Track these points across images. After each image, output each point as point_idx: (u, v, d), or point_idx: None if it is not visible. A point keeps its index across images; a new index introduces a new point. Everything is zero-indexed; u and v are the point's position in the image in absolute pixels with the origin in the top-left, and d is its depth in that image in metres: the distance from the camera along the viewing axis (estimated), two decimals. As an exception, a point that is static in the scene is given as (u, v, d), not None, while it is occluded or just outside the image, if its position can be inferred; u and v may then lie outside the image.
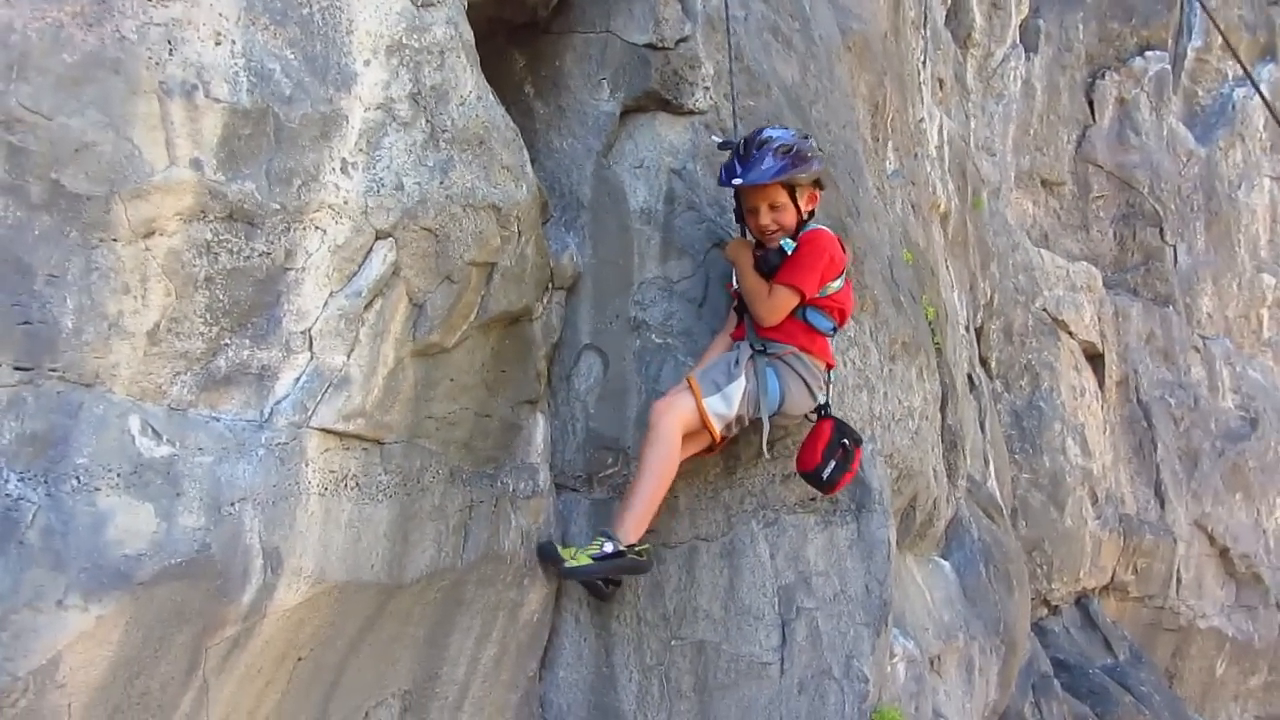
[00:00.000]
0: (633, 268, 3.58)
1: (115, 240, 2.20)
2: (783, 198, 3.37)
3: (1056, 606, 8.14)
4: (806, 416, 3.47)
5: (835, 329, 3.47)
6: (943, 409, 4.85)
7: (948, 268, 6.92)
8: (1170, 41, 10.04)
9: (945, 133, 7.55)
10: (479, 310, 3.03)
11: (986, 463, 6.89)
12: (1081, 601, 8.45)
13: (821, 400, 3.45)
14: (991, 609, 4.90)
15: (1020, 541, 7.80)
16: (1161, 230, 9.54)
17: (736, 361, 3.31)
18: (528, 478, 3.36)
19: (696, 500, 3.59)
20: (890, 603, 3.63)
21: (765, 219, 3.38)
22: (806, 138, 3.43)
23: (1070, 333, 8.81)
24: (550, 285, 3.43)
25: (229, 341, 2.43)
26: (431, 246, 2.81)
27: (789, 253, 3.31)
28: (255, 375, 2.49)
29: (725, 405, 3.22)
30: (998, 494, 6.82)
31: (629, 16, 3.64)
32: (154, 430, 2.27)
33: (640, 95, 3.67)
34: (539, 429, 3.44)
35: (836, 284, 3.40)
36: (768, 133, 3.35)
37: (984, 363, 7.99)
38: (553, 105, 3.66)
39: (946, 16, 8.51)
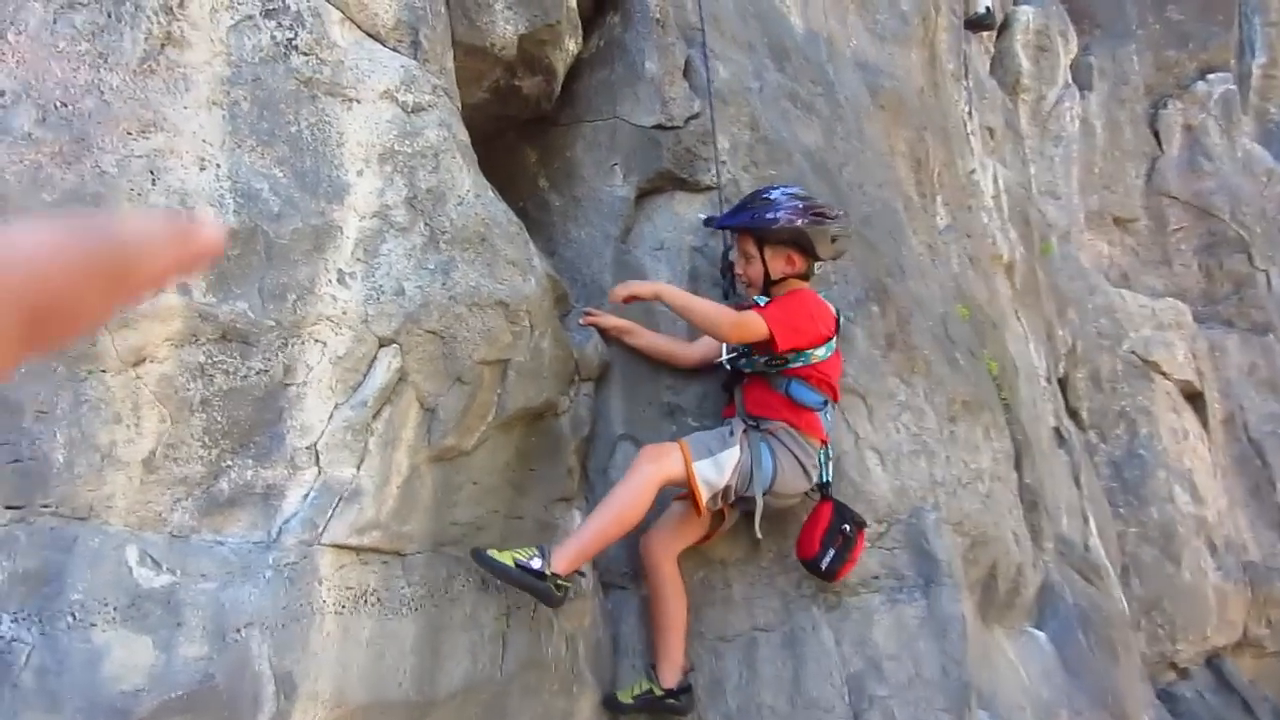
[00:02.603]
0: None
1: (104, 371, 2.20)
2: (751, 249, 3.32)
3: (1185, 669, 7.55)
4: (808, 494, 3.28)
5: (826, 403, 3.27)
6: (1018, 468, 4.58)
7: (1019, 319, 6.65)
8: (1233, 61, 9.69)
9: (1001, 182, 7.34)
10: (496, 409, 2.95)
11: (1086, 521, 6.49)
12: (1213, 662, 7.82)
13: (816, 480, 3.25)
14: (1096, 680, 4.53)
15: (1136, 602, 7.30)
16: (1249, 256, 9.07)
17: (731, 432, 3.16)
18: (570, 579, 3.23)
19: (751, 588, 3.41)
20: (971, 684, 3.36)
21: (738, 267, 3.39)
22: (807, 200, 3.32)
23: (1164, 373, 8.36)
24: (576, 377, 3.35)
25: (230, 463, 2.39)
26: (438, 349, 2.75)
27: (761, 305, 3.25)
28: (260, 495, 2.44)
29: (715, 472, 3.05)
30: (1102, 553, 6.40)
31: (635, 100, 3.62)
32: (153, 559, 2.23)
33: (654, 176, 3.62)
34: (576, 527, 3.32)
35: (822, 351, 3.22)
36: (769, 188, 3.37)
37: (1073, 414, 7.61)
38: (567, 196, 3.63)
39: (991, 65, 8.37)
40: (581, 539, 2.95)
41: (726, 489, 3.09)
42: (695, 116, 3.66)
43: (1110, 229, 9.15)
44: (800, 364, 3.19)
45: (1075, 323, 7.99)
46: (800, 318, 3.18)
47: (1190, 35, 9.53)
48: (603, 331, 3.45)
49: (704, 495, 3.04)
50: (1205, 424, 8.45)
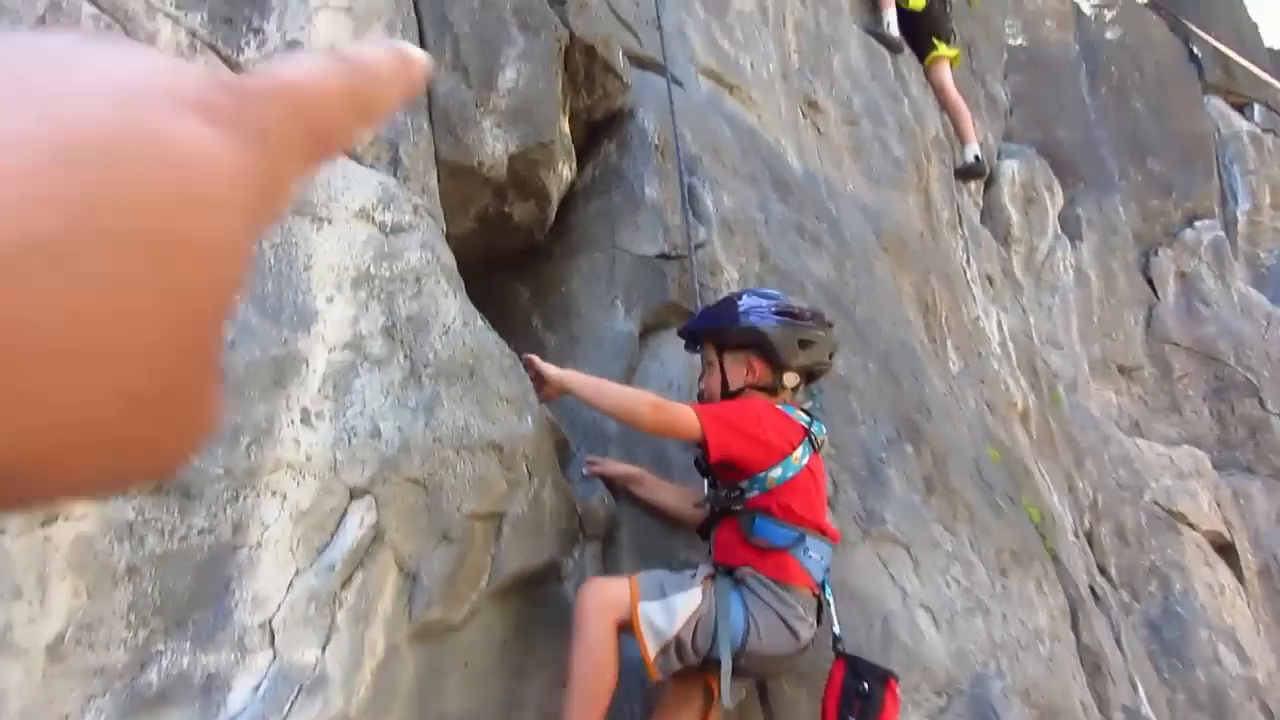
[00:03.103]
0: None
1: (2, 532, 1.76)
2: (712, 356, 2.90)
3: None
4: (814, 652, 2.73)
5: (801, 539, 2.66)
6: (1074, 626, 4.09)
7: (1040, 470, 6.27)
8: (1217, 209, 9.71)
9: (1006, 329, 7.11)
10: (490, 573, 2.50)
11: (1135, 687, 5.91)
12: (1283, 843, 7.06)
13: (808, 635, 2.64)
14: None
15: (1194, 778, 6.62)
16: (1260, 400, 8.80)
17: (694, 575, 2.64)
18: (579, 778, 2.69)
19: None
20: None
21: (701, 380, 2.95)
22: (778, 300, 2.89)
23: (1190, 524, 7.92)
24: (581, 535, 2.90)
25: (162, 647, 1.92)
26: (421, 500, 2.33)
27: None
28: (199, 687, 1.95)
29: (665, 618, 2.49)
30: (1156, 723, 5.80)
31: (635, 229, 3.33)
32: (53, 781, 1.72)
33: (660, 309, 3.28)
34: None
35: (779, 471, 2.66)
36: (741, 292, 3.00)
37: (1103, 571, 7.12)
38: (564, 334, 3.28)
39: (981, 216, 8.30)
40: None
41: (680, 644, 2.50)
42: (701, 245, 3.36)
43: (1116, 377, 8.90)
44: (757, 491, 2.66)
45: (1094, 474, 7.61)
46: (744, 420, 2.67)
47: (1173, 185, 9.57)
48: (608, 482, 3.03)
49: (651, 647, 2.48)
50: (1240, 577, 7.95)
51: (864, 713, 2.61)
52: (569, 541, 2.80)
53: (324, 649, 2.12)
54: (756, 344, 2.80)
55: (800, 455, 2.71)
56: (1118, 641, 6.03)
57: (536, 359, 2.75)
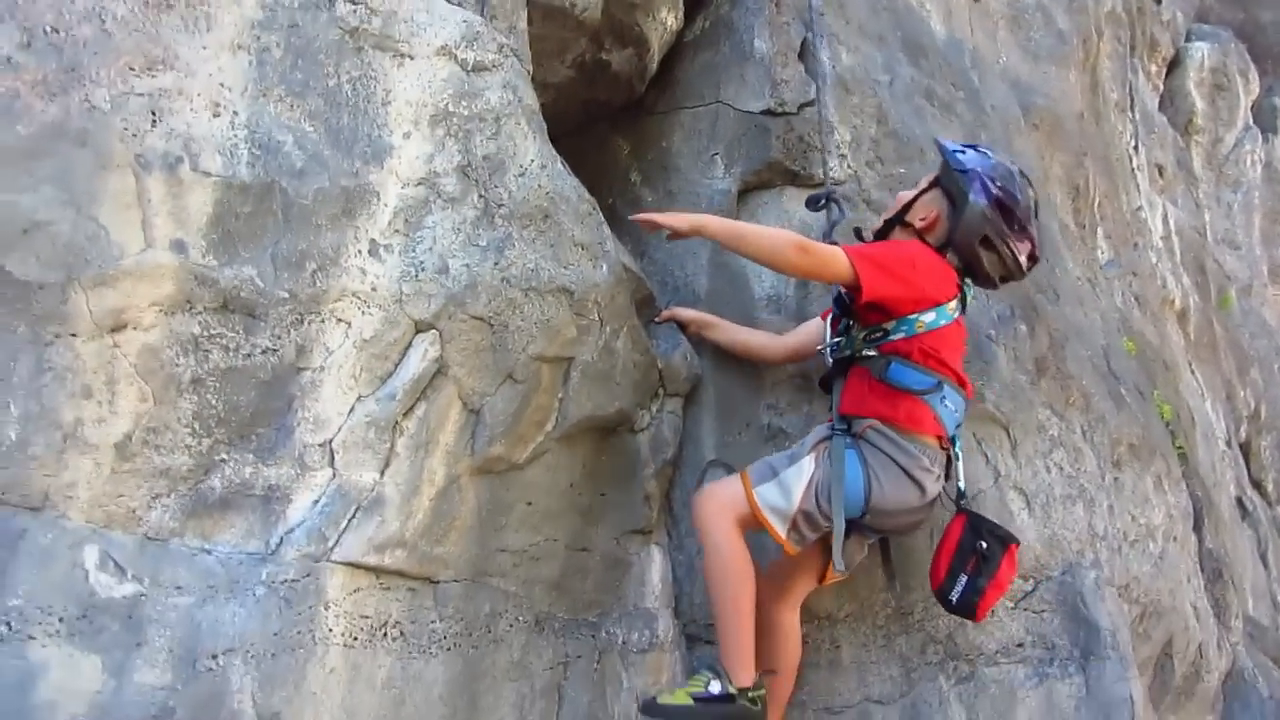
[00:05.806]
0: (762, 365, 2.98)
1: (74, 335, 1.85)
2: (923, 181, 2.73)
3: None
4: (940, 507, 2.60)
5: (939, 385, 2.53)
6: (1197, 530, 3.84)
7: (1194, 372, 5.85)
8: None
9: (1172, 223, 6.58)
10: (557, 417, 2.51)
11: (1275, 604, 5.57)
12: None
13: (935, 489, 2.53)
14: (1302, 796, 3.70)
15: (1338, 707, 6.25)
16: None
17: (803, 442, 2.55)
18: (642, 627, 2.73)
19: (864, 650, 2.83)
20: (1143, 787, 2.69)
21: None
22: (1004, 188, 2.62)
23: (1366, 446, 7.28)
24: (661, 390, 2.88)
25: (225, 456, 2.02)
26: (486, 339, 2.34)
27: None
28: (260, 497, 2.05)
29: (782, 496, 2.43)
30: (1296, 645, 5.46)
31: (741, 83, 3.18)
32: (116, 564, 1.85)
33: (761, 168, 3.15)
34: (654, 566, 2.82)
35: (931, 317, 2.52)
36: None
37: (1257, 485, 6.66)
38: (661, 190, 3.20)
39: (1160, 102, 7.62)
40: (727, 649, 2.40)
41: (807, 515, 2.45)
42: (810, 103, 3.19)
43: (1298, 284, 8.16)
44: (902, 335, 2.52)
45: (1259, 384, 7.06)
46: (897, 263, 2.52)
47: (1391, 72, 8.54)
48: (686, 331, 2.97)
49: (779, 527, 2.44)
50: None
51: (978, 572, 2.52)
52: (645, 394, 2.79)
53: (383, 472, 2.19)
54: (954, 202, 2.63)
55: (954, 307, 2.59)
56: (1263, 557, 5.68)
57: (664, 217, 2.63)
